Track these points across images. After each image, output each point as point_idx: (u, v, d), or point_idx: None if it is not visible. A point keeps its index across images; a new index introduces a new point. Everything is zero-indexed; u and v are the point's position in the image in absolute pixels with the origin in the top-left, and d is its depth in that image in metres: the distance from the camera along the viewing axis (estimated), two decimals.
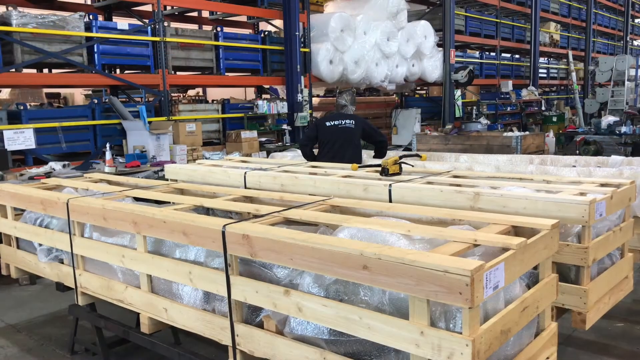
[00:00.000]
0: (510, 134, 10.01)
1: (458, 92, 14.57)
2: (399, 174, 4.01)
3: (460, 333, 1.97)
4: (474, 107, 15.09)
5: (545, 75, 19.93)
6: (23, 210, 4.11)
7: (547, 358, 2.48)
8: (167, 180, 4.96)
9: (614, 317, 4.33)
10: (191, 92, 16.56)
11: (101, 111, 7.69)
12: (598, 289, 3.10)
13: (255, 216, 2.87)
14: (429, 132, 11.29)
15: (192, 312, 2.89)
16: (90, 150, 7.54)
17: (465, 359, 1.93)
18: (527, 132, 11.77)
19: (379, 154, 5.85)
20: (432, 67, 13.34)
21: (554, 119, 16.60)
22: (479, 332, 1.96)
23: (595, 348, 3.96)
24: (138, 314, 3.25)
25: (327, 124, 5.69)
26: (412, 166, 4.35)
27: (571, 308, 3.02)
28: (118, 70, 8.86)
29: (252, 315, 2.70)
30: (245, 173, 4.36)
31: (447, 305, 2.03)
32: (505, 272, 2.09)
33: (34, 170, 6.24)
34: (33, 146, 6.75)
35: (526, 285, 2.44)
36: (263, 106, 9.87)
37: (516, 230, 2.54)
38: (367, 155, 6.03)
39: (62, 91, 14.96)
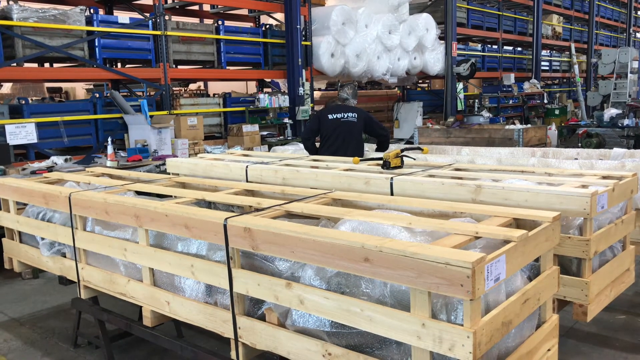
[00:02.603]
0: (512, 126, 9.99)
1: (460, 85, 14.53)
2: (400, 167, 4.01)
3: (462, 325, 1.98)
4: (476, 100, 15.05)
5: (547, 68, 19.85)
6: (25, 205, 4.12)
7: (548, 350, 2.49)
8: (168, 174, 4.96)
9: (616, 310, 4.34)
10: (192, 86, 16.55)
11: (103, 105, 7.69)
12: (599, 281, 3.10)
13: (257, 209, 2.88)
14: (430, 125, 11.28)
15: (194, 305, 2.90)
16: (92, 145, 7.55)
17: (467, 350, 1.94)
18: (529, 125, 11.75)
19: (381, 147, 5.84)
20: (434, 60, 13.30)
21: (556, 112, 16.56)
22: (480, 324, 1.96)
23: (596, 340, 3.97)
24: (140, 307, 3.26)
25: (330, 116, 5.67)
26: (414, 159, 4.34)
27: (572, 300, 3.03)
28: (119, 65, 8.86)
29: (254, 308, 2.71)
30: (247, 167, 4.36)
31: (449, 297, 2.04)
32: (507, 264, 2.09)
33: (36, 165, 6.25)
34: (35, 140, 6.75)
35: (527, 278, 2.45)
36: (264, 100, 9.86)
37: (518, 223, 2.54)
38: (369, 149, 6.03)
39: (64, 85, 14.98)
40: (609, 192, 3.03)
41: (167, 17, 8.65)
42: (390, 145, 5.90)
